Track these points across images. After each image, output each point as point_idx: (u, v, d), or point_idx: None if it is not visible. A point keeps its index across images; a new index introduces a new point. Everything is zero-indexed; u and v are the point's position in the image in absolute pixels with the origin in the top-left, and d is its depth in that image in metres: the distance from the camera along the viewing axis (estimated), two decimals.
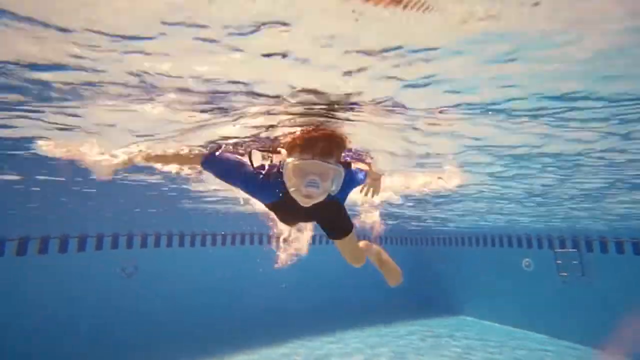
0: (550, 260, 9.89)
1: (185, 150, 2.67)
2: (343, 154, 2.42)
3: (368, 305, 12.75)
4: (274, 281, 9.53)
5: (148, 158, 2.72)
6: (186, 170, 3.45)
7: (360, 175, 2.69)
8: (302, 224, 3.53)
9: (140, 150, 2.66)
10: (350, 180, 2.47)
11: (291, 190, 2.02)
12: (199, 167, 2.48)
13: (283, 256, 3.99)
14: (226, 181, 2.38)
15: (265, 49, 1.46)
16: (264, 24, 1.29)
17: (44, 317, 8.16)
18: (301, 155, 1.98)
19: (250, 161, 2.19)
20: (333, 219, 2.53)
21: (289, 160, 1.98)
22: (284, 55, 1.50)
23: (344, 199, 2.53)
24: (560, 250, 9.80)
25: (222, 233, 11.31)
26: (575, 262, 9.40)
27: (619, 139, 2.61)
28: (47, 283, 8.36)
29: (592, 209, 6.16)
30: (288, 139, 2.34)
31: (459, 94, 1.90)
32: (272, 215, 2.56)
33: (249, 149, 2.40)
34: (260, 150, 2.48)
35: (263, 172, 2.28)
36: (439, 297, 13.37)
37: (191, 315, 10.03)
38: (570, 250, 9.60)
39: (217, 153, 2.42)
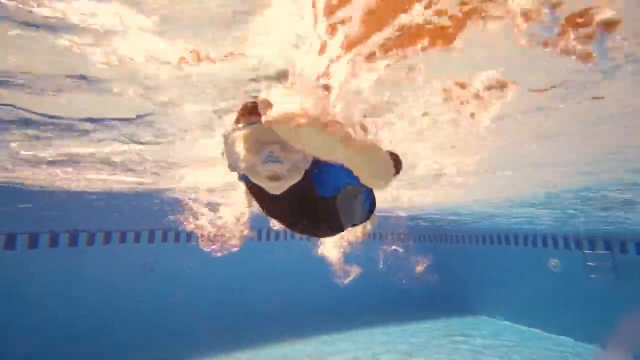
0: (578, 261, 9.36)
1: None
2: None
3: (382, 304, 12.49)
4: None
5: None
6: None
7: None
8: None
9: None
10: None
11: (245, 171, 1.46)
12: None
13: None
14: None
15: None
16: None
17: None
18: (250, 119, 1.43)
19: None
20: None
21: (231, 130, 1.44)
22: None
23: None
24: (589, 251, 9.24)
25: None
26: (607, 263, 8.84)
27: None
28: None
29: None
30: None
31: None
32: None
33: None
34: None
35: None
36: (457, 296, 12.96)
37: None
38: (603, 252, 9.03)
39: None
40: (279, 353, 8.15)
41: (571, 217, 7.23)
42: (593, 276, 9.03)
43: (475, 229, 12.08)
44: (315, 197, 1.66)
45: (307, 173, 1.51)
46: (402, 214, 9.19)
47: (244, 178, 1.63)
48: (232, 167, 1.56)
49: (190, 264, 9.79)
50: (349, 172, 1.27)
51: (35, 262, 8.27)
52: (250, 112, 1.46)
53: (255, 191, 1.65)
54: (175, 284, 9.91)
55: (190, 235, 10.46)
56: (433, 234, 14.40)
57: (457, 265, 13.15)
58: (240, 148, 1.43)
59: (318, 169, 1.56)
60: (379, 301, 12.59)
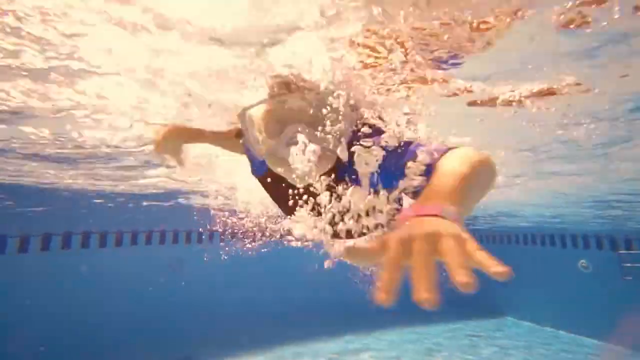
0: (613, 262, 8.94)
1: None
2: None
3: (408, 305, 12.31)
4: None
5: (184, 134, 2.08)
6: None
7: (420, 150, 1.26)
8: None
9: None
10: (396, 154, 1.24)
11: (264, 157, 1.23)
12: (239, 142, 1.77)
13: None
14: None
15: None
16: None
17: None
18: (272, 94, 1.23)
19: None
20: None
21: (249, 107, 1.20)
22: None
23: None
24: (625, 251, 8.82)
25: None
26: None
27: None
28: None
29: None
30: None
31: None
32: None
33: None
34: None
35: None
36: (482, 297, 12.63)
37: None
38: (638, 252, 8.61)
39: None
40: (308, 350, 8.21)
41: (612, 214, 6.87)
42: (629, 278, 8.62)
43: (502, 228, 11.76)
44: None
45: (341, 165, 1.26)
46: None
47: (259, 169, 1.40)
48: (249, 152, 1.34)
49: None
50: (396, 176, 1.18)
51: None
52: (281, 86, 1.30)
53: (273, 183, 1.39)
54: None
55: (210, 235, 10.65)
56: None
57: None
58: (258, 128, 1.18)
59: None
60: (404, 302, 12.44)
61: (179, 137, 1.97)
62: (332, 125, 1.18)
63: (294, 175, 1.18)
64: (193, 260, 9.94)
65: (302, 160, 1.09)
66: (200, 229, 10.15)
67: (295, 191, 1.32)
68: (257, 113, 1.19)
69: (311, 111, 1.16)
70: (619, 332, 7.38)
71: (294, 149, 1.10)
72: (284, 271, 10.77)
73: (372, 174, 1.27)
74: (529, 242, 11.48)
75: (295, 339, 8.94)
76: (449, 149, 1.13)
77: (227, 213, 5.51)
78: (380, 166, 1.25)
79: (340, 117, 1.18)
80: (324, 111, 1.18)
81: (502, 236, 12.46)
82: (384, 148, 1.25)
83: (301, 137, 1.10)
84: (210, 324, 9.44)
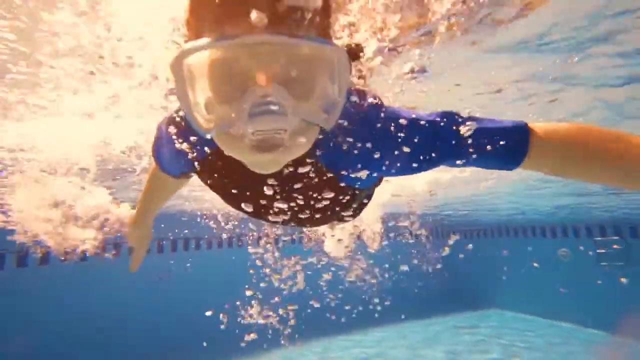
0: (589, 248, 9.31)
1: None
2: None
3: (397, 301, 12.46)
4: None
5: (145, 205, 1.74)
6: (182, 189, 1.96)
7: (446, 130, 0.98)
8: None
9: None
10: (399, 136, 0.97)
11: (212, 133, 0.76)
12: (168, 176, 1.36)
13: None
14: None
15: None
16: None
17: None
18: (219, 30, 0.68)
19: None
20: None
21: (189, 48, 0.69)
22: None
23: (369, 187, 1.20)
24: (600, 238, 9.19)
25: None
26: (618, 250, 8.79)
27: None
28: None
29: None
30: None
31: None
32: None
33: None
34: None
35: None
36: (467, 290, 12.91)
37: None
38: (613, 238, 8.98)
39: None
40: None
41: (586, 203, 7.15)
42: (604, 264, 8.98)
43: (481, 222, 12.03)
44: (331, 181, 1.05)
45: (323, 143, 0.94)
46: (415, 210, 9.11)
47: (198, 153, 1.06)
48: (182, 129, 1.01)
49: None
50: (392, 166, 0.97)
51: None
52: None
53: (221, 173, 1.07)
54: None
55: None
56: (440, 229, 14.35)
57: (466, 258, 13.10)
58: (203, 88, 0.74)
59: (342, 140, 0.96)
60: (394, 298, 12.58)
61: (137, 221, 1.75)
62: (325, 83, 0.76)
63: (251, 160, 0.82)
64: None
65: (272, 137, 0.72)
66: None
67: (260, 184, 0.99)
68: (203, 62, 0.72)
69: (292, 58, 0.72)
70: (627, 325, 7.58)
71: (260, 120, 0.69)
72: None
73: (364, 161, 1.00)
74: (510, 234, 11.79)
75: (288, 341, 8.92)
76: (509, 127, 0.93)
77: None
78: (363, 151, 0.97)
79: (339, 69, 0.74)
80: (311, 59, 0.73)
81: (479, 230, 12.75)
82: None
83: (275, 101, 0.68)
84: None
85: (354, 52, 1.02)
